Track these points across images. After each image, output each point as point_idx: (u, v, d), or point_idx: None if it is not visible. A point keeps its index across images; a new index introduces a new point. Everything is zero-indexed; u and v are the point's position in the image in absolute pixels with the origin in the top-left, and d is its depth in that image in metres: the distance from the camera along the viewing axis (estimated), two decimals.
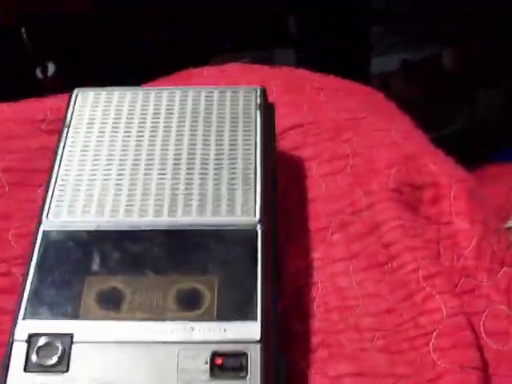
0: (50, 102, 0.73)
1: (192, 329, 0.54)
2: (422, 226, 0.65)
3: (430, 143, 0.74)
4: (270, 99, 0.69)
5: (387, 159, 0.68)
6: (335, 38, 1.24)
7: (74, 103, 0.67)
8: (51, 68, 0.96)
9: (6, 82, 0.96)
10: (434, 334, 0.59)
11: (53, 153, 0.68)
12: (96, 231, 0.59)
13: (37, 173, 0.69)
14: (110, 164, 0.63)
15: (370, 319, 0.60)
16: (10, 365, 0.53)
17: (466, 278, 0.63)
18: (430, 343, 0.59)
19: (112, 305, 0.56)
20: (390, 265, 0.62)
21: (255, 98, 0.66)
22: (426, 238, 0.64)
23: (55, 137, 0.69)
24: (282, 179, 0.67)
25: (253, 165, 0.62)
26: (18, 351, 0.54)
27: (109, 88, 0.68)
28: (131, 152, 0.63)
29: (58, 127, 0.70)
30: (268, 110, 0.66)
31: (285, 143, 0.70)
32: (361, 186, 0.67)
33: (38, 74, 0.96)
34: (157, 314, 0.55)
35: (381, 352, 0.59)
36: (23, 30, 0.95)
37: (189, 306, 0.55)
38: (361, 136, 0.70)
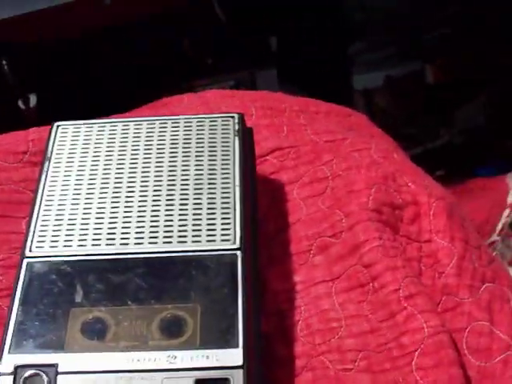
0: (32, 134, 0.73)
1: (174, 357, 0.54)
2: (403, 244, 0.65)
3: (410, 161, 0.75)
4: (250, 123, 0.69)
5: (366, 180, 0.68)
6: (317, 56, 1.25)
7: (55, 136, 0.67)
8: (33, 99, 0.96)
9: None
10: (417, 353, 0.59)
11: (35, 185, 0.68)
12: (79, 261, 0.59)
13: (20, 204, 0.69)
14: (90, 195, 0.63)
15: (352, 340, 0.60)
16: None
17: (447, 296, 0.64)
18: (413, 362, 0.59)
19: (96, 335, 0.56)
20: (371, 285, 0.63)
21: (233, 125, 0.67)
22: (407, 256, 0.65)
23: (38, 168, 0.70)
24: (263, 203, 0.67)
25: (232, 191, 0.62)
26: None
27: (88, 121, 0.68)
28: (112, 183, 0.64)
29: (40, 159, 0.70)
30: (246, 135, 0.67)
31: (265, 167, 0.70)
32: (341, 208, 0.67)
33: (20, 105, 0.97)
34: (140, 343, 0.55)
35: (364, 372, 0.59)
36: (4, 61, 0.95)
37: (172, 334, 0.56)
38: (340, 158, 0.71)
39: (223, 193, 0.62)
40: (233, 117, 0.67)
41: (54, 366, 0.54)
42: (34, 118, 0.89)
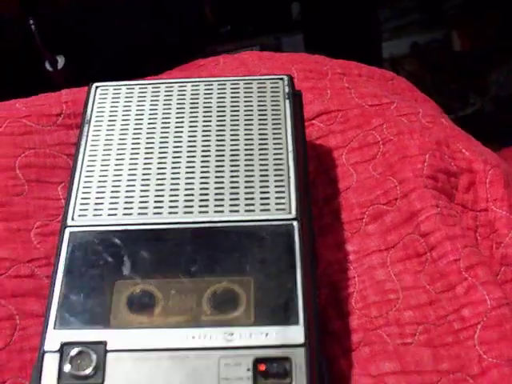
0: (65, 96, 0.67)
1: (231, 334, 0.49)
2: (458, 213, 0.60)
3: (459, 127, 0.69)
4: None
5: (420, 145, 0.62)
6: (344, 23, 1.18)
7: (94, 98, 0.61)
8: (61, 61, 0.90)
9: (15, 76, 0.91)
10: (479, 326, 0.54)
11: (72, 149, 0.63)
12: (124, 231, 0.54)
13: (55, 169, 0.63)
14: (135, 160, 0.57)
15: (410, 313, 0.55)
16: (42, 377, 0.48)
17: (506, 267, 0.59)
18: (475, 336, 0.54)
19: (144, 310, 0.51)
20: (428, 255, 0.57)
21: (283, 87, 0.61)
22: (464, 226, 0.59)
23: (72, 131, 0.65)
24: (310, 169, 0.62)
25: (285, 157, 0.57)
26: (50, 362, 0.49)
27: (128, 82, 0.62)
28: (157, 148, 0.58)
29: (75, 121, 0.65)
30: (296, 99, 0.61)
31: (310, 132, 0.64)
32: (394, 174, 0.61)
33: (47, 67, 0.90)
34: (192, 318, 0.50)
35: (424, 346, 0.54)
36: (32, 22, 0.89)
37: (225, 309, 0.50)
38: (390, 122, 0.65)
39: (276, 159, 0.56)
40: (282, 79, 0.62)
41: (103, 343, 0.49)
42: (61, 81, 0.83)
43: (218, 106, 0.60)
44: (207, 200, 0.55)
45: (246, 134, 0.58)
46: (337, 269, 0.58)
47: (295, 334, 0.49)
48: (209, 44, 1.09)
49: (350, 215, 0.61)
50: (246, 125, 0.59)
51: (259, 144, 0.57)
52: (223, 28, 1.19)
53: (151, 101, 0.61)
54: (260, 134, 0.58)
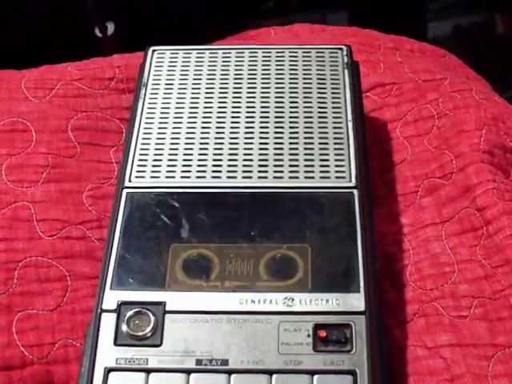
0: (118, 61, 0.66)
1: (292, 299, 0.47)
2: None
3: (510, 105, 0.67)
4: None
5: (476, 120, 0.60)
6: (389, 1, 1.16)
7: (150, 62, 0.60)
8: (111, 28, 0.88)
9: (65, 42, 0.89)
10: None
11: (125, 113, 0.61)
12: (182, 194, 0.53)
13: (108, 133, 0.62)
14: (193, 124, 0.56)
15: (466, 286, 0.54)
16: (99, 337, 0.47)
17: None
18: None
19: (201, 274, 0.49)
20: (485, 229, 0.55)
21: (342, 57, 0.59)
22: None
23: (125, 96, 0.64)
24: None
25: (344, 126, 0.55)
26: (107, 322, 0.47)
27: (185, 47, 0.61)
28: (215, 112, 0.57)
29: (128, 86, 0.64)
30: (354, 69, 0.59)
31: (365, 104, 0.62)
32: (450, 148, 0.59)
33: (97, 33, 0.89)
34: (250, 283, 0.48)
35: (480, 320, 0.52)
36: None
37: (283, 275, 0.49)
38: (446, 96, 0.63)
39: (335, 127, 0.55)
40: (341, 49, 0.60)
41: (162, 304, 0.47)
42: (110, 47, 0.82)
43: (276, 74, 0.59)
44: (266, 166, 0.53)
45: (304, 102, 0.57)
46: (391, 241, 0.56)
47: (356, 301, 0.47)
48: (250, 19, 1.07)
49: (405, 188, 0.59)
50: (304, 93, 0.57)
51: (318, 112, 0.56)
52: (266, 4, 1.17)
53: (209, 66, 0.59)
54: (319, 103, 0.57)
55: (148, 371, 0.45)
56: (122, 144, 0.60)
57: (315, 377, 0.45)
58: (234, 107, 0.57)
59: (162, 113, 0.57)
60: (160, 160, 0.54)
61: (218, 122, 0.56)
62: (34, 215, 0.56)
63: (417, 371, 0.50)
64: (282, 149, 0.54)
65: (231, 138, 0.55)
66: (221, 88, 0.58)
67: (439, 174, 0.59)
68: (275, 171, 0.53)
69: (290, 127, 0.55)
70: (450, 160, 0.59)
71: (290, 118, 0.56)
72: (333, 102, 0.57)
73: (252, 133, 0.55)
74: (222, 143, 0.55)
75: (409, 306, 0.53)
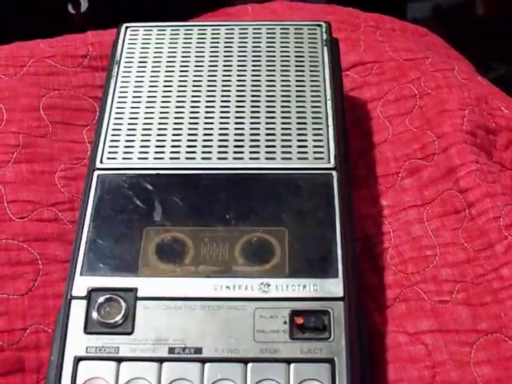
0: (92, 38, 0.63)
1: (268, 285, 0.45)
2: (497, 172, 0.56)
3: (495, 86, 0.65)
4: None
5: (459, 100, 0.58)
6: None
7: (124, 38, 0.58)
8: (84, 4, 0.85)
9: (36, 18, 0.86)
10: None
11: (98, 92, 0.59)
12: (155, 175, 0.50)
13: (81, 111, 0.60)
14: (167, 103, 0.54)
15: (448, 270, 0.52)
16: (69, 324, 0.44)
17: None
18: None
19: (175, 259, 0.47)
20: (467, 212, 0.53)
21: (321, 34, 0.57)
22: (503, 184, 0.55)
23: (99, 74, 0.62)
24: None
25: (323, 105, 0.53)
26: (77, 309, 0.45)
27: (159, 23, 0.58)
28: (189, 91, 0.54)
29: (101, 64, 0.62)
30: (334, 47, 0.57)
31: (344, 83, 0.60)
32: (432, 129, 0.57)
33: (70, 9, 0.86)
34: (225, 268, 0.46)
35: (462, 305, 0.50)
36: None
37: (259, 260, 0.47)
38: (428, 76, 0.61)
39: (313, 106, 0.53)
40: (320, 25, 0.58)
41: (133, 290, 0.45)
42: (83, 24, 0.79)
43: (253, 51, 0.56)
44: (242, 146, 0.51)
45: (282, 80, 0.54)
46: (371, 223, 0.54)
47: (334, 287, 0.45)
48: None
49: (386, 169, 0.57)
50: (282, 71, 0.55)
51: (296, 91, 0.54)
52: None
53: (183, 43, 0.57)
54: (297, 81, 0.54)
55: (119, 360, 0.43)
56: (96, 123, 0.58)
57: (292, 365, 0.43)
58: (209, 86, 0.54)
59: (135, 92, 0.54)
60: (133, 140, 0.52)
61: (192, 102, 0.54)
62: (5, 196, 0.54)
63: (397, 358, 0.48)
64: (258, 129, 0.52)
65: (206, 118, 0.53)
66: (196, 66, 0.56)
67: (421, 155, 0.57)
68: (251, 152, 0.51)
69: (267, 106, 0.53)
70: (432, 141, 0.57)
71: (267, 96, 0.54)
72: (311, 81, 0.54)
73: (228, 112, 0.53)
74: (196, 123, 0.52)
75: (389, 291, 0.51)
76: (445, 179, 0.55)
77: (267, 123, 0.52)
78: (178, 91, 0.54)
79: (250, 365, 0.43)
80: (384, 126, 0.59)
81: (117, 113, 0.53)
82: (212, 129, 0.52)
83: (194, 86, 0.54)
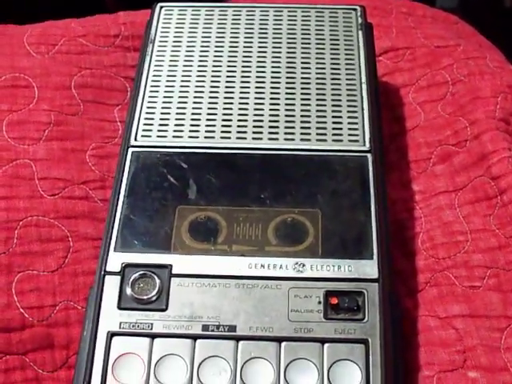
0: (123, 17, 0.63)
1: (302, 265, 0.45)
2: None
3: None
4: None
5: (492, 87, 0.57)
6: None
7: (158, 18, 0.57)
8: None
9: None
10: None
11: (130, 71, 0.58)
12: (190, 154, 0.50)
13: (112, 91, 0.59)
14: (201, 83, 0.53)
15: (479, 256, 0.51)
16: (102, 300, 0.44)
17: None
18: None
19: (208, 237, 0.46)
20: (499, 198, 0.53)
21: (356, 18, 0.56)
22: None
23: (130, 54, 0.61)
24: None
25: (358, 88, 0.52)
26: (111, 285, 0.45)
27: (193, 3, 0.58)
28: (224, 71, 0.54)
29: (133, 44, 0.61)
30: (368, 31, 0.56)
31: (377, 68, 0.60)
32: (465, 115, 0.57)
33: None
34: (259, 248, 0.46)
35: (493, 291, 0.49)
36: None
37: (293, 240, 0.46)
38: (461, 62, 0.60)
39: (348, 89, 0.52)
40: (355, 9, 0.57)
41: (167, 267, 0.45)
42: (114, 6, 0.78)
43: (287, 33, 0.56)
44: (277, 127, 0.51)
45: (317, 63, 0.54)
46: (402, 208, 0.54)
47: (369, 268, 0.45)
48: None
49: (417, 154, 0.56)
50: (317, 53, 0.55)
51: (331, 74, 0.53)
52: None
53: (218, 24, 0.57)
54: (332, 64, 0.54)
55: (153, 336, 0.43)
56: (127, 103, 0.58)
57: (326, 345, 0.42)
58: (243, 66, 0.54)
59: (169, 70, 0.54)
60: (167, 119, 0.51)
61: (227, 82, 0.53)
62: (36, 173, 0.53)
63: (428, 341, 0.47)
64: (293, 110, 0.51)
65: (241, 98, 0.52)
66: (230, 47, 0.55)
67: (453, 141, 0.56)
68: (286, 133, 0.50)
69: (302, 88, 0.52)
70: (464, 127, 0.56)
71: (302, 78, 0.53)
72: (346, 64, 0.54)
73: (263, 93, 0.52)
74: (231, 103, 0.52)
75: (420, 275, 0.51)
76: (477, 166, 0.54)
77: (302, 105, 0.52)
78: (213, 71, 0.54)
79: (283, 344, 0.42)
80: (416, 112, 0.58)
81: (151, 91, 0.53)
82: (247, 109, 0.51)
83: (228, 66, 0.54)
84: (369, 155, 0.49)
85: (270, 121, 0.51)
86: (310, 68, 0.53)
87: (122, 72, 0.60)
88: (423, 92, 0.59)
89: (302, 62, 0.54)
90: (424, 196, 0.54)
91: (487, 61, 0.61)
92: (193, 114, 0.51)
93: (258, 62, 0.54)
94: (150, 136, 0.50)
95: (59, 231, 0.51)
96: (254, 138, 0.50)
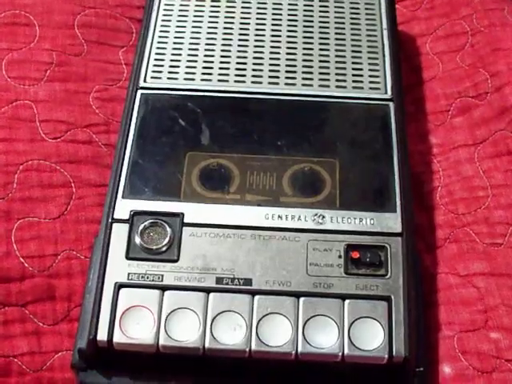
0: None
1: (322, 216, 0.41)
2: None
3: None
4: None
5: None
6: None
7: None
8: None
9: None
10: None
11: (135, 12, 0.54)
12: (202, 97, 0.46)
13: (117, 32, 0.55)
14: (215, 24, 0.49)
15: (501, 212, 0.47)
16: (110, 249, 0.40)
17: None
18: None
19: (220, 186, 0.43)
20: None
21: None
22: None
23: None
24: None
25: (379, 34, 0.49)
26: (118, 233, 0.41)
27: None
28: (238, 12, 0.49)
29: None
30: None
31: None
32: (485, 67, 0.53)
33: None
34: (274, 198, 0.42)
35: None
36: None
37: (311, 191, 0.43)
38: (481, 12, 0.56)
39: (369, 35, 0.49)
40: None
41: (179, 215, 0.41)
42: None
43: None
44: (294, 72, 0.47)
45: (336, 7, 0.50)
46: (419, 160, 0.50)
47: (392, 221, 0.41)
48: None
49: (435, 106, 0.53)
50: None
51: (350, 19, 0.50)
52: None
53: None
54: (351, 9, 0.50)
55: (163, 288, 0.39)
56: (133, 45, 0.54)
57: (346, 301, 0.39)
58: (259, 8, 0.50)
59: (180, 9, 0.50)
60: (179, 60, 0.48)
61: (241, 23, 0.49)
62: (37, 115, 0.49)
63: (449, 300, 0.44)
64: (311, 55, 0.48)
65: (256, 41, 0.48)
66: None
67: (473, 93, 0.52)
68: (304, 78, 0.46)
69: (320, 33, 0.49)
70: (484, 79, 0.52)
71: (320, 22, 0.49)
72: (366, 9, 0.50)
73: (279, 36, 0.48)
74: (246, 45, 0.48)
75: (439, 231, 0.47)
76: (498, 119, 0.51)
77: (321, 50, 0.48)
78: (227, 12, 0.50)
79: (302, 299, 0.39)
80: (433, 63, 0.55)
81: (161, 31, 0.49)
82: (263, 52, 0.48)
83: (243, 7, 0.50)
84: (391, 103, 0.46)
85: (287, 65, 0.47)
86: (328, 12, 0.50)
87: (127, 12, 0.56)
88: (441, 42, 0.55)
89: (321, 6, 0.50)
90: (442, 149, 0.51)
91: (505, 13, 0.57)
92: (206, 55, 0.48)
93: (274, 3, 0.50)
94: (160, 78, 0.47)
95: (61, 176, 0.48)
96: (269, 83, 0.47)
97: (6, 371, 0.42)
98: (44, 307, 0.44)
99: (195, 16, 0.50)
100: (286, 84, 0.46)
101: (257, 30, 0.49)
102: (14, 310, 0.44)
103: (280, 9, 0.50)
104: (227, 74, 0.47)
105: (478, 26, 0.55)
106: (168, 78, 0.47)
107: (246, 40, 0.48)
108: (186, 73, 0.47)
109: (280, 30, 0.49)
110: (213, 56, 0.47)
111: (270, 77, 0.47)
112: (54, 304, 0.44)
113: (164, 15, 0.50)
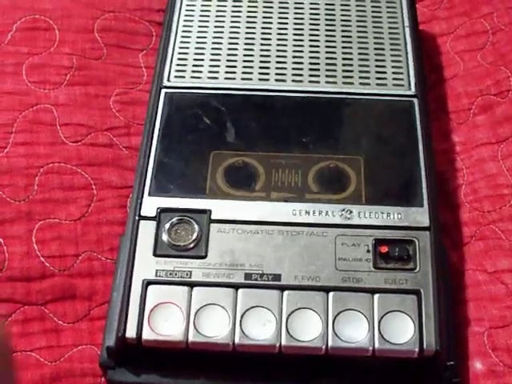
0: None
1: (350, 211, 0.41)
2: None
3: None
4: None
5: None
6: None
7: None
8: None
9: None
10: None
11: (155, 16, 0.55)
12: (226, 96, 0.46)
13: (136, 35, 0.55)
14: (238, 22, 0.50)
15: None
16: (137, 247, 0.40)
17: None
18: None
19: (245, 183, 0.43)
20: None
21: None
22: None
23: None
24: None
25: (401, 32, 0.49)
26: (145, 230, 0.41)
27: None
28: (261, 10, 0.50)
29: None
30: None
31: None
32: (507, 65, 0.53)
33: None
34: (300, 195, 0.42)
35: None
36: None
37: (337, 187, 0.43)
38: (502, 10, 0.56)
39: (391, 33, 0.49)
40: None
41: (206, 212, 0.41)
42: None
43: None
44: (318, 69, 0.47)
45: (357, 5, 0.50)
46: (443, 159, 0.50)
47: (419, 216, 0.42)
48: None
49: (457, 104, 0.53)
50: None
51: (372, 17, 0.50)
52: None
53: None
54: (373, 7, 0.50)
55: (191, 285, 0.40)
56: (152, 48, 0.54)
57: (376, 296, 0.39)
58: (281, 7, 0.50)
59: (202, 9, 0.50)
60: (202, 59, 0.48)
61: (264, 23, 0.50)
62: (57, 119, 0.50)
63: (477, 296, 0.44)
64: (334, 52, 0.48)
65: (279, 40, 0.49)
66: None
67: (495, 91, 0.52)
68: (328, 75, 0.47)
69: (343, 31, 0.49)
70: (506, 77, 0.52)
71: (342, 21, 0.50)
72: (388, 7, 0.51)
73: (302, 34, 0.49)
74: (269, 44, 0.48)
75: (465, 228, 0.47)
76: None
77: (344, 47, 0.48)
78: (248, 11, 0.50)
79: (331, 294, 0.39)
80: (454, 61, 0.55)
81: (184, 31, 0.49)
82: (286, 51, 0.48)
83: (265, 6, 0.50)
84: (415, 100, 0.46)
85: (311, 63, 0.47)
86: (350, 10, 0.50)
87: (146, 16, 0.56)
88: (462, 41, 0.56)
89: (341, 5, 0.50)
90: (465, 147, 0.51)
91: None
92: (229, 53, 0.48)
93: (296, 2, 0.50)
94: (183, 77, 0.47)
95: (82, 179, 0.48)
96: (293, 81, 0.47)
97: (24, 364, 0.42)
98: (64, 306, 0.44)
99: (217, 15, 0.50)
100: (310, 81, 0.47)
101: (279, 28, 0.49)
102: (34, 308, 0.44)
103: (302, 8, 0.50)
104: (251, 72, 0.47)
105: (498, 25, 0.55)
106: (192, 77, 0.47)
107: (269, 38, 0.49)
108: (210, 71, 0.47)
109: (303, 29, 0.49)
110: (236, 54, 0.48)
111: (293, 74, 0.47)
112: (74, 303, 0.45)
113: (186, 15, 0.50)
